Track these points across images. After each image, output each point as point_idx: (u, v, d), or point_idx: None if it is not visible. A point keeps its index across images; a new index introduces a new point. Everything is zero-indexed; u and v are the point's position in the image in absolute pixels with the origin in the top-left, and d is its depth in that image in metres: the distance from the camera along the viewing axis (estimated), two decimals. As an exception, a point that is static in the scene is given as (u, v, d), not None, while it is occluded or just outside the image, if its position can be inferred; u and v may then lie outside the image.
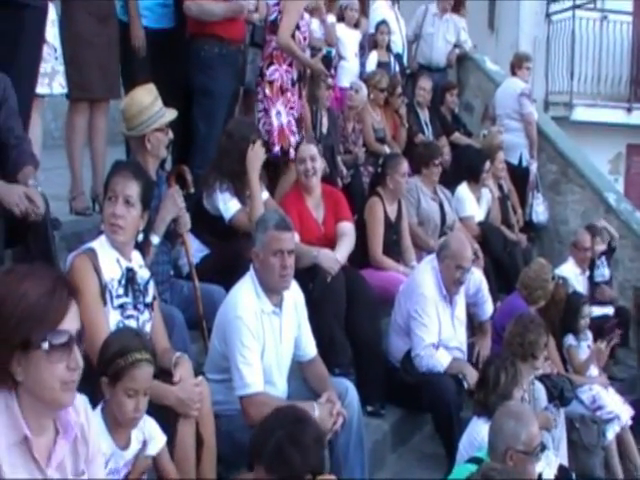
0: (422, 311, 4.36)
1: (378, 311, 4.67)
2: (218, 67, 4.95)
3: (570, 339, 5.43)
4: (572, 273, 6.36)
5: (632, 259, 6.92)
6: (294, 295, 3.60)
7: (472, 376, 4.24)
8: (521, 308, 5.04)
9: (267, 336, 3.38)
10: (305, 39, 5.50)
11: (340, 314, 4.42)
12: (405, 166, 5.40)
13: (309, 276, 4.34)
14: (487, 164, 6.47)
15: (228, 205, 4.28)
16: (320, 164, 4.89)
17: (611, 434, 5.18)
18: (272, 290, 3.42)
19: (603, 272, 6.71)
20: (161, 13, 5.04)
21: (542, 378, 4.66)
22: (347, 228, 4.85)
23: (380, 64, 7.97)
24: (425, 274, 4.49)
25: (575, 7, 10.31)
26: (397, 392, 4.44)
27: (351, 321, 4.47)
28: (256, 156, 4.36)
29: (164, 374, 3.01)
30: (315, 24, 7.38)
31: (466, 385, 4.29)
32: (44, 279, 1.76)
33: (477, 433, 3.78)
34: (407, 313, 4.44)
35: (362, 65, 7.96)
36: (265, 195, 4.61)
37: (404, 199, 5.60)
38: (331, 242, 4.72)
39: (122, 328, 2.76)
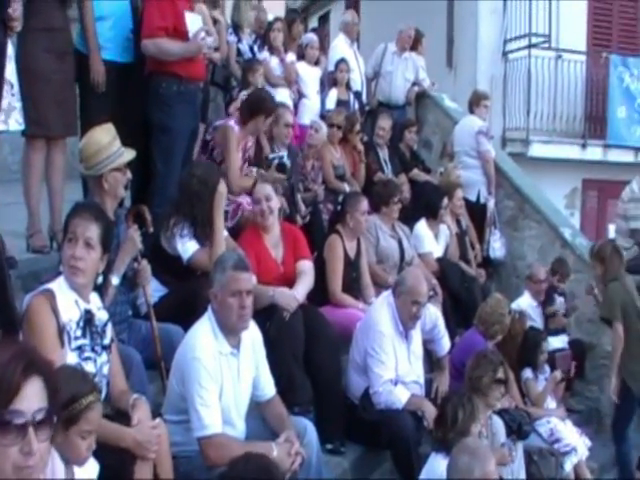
0: (379, 348, 4.39)
1: (338, 348, 4.68)
2: (176, 105, 4.97)
3: (527, 372, 5.52)
4: (528, 305, 6.50)
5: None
6: (252, 335, 3.61)
7: (431, 412, 4.27)
8: (479, 343, 5.11)
9: (225, 377, 3.38)
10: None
11: (299, 352, 4.43)
12: (365, 204, 5.46)
13: (266, 315, 4.34)
14: (445, 200, 6.57)
15: (186, 246, 4.30)
16: (276, 203, 4.90)
17: (569, 466, 5.25)
18: (230, 331, 3.43)
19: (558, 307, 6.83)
20: (124, 46, 5.05)
21: (500, 412, 4.71)
22: (306, 266, 4.87)
23: (340, 102, 8.08)
24: (381, 310, 4.53)
25: (531, 46, 10.55)
26: (356, 429, 4.45)
27: (311, 359, 4.49)
28: (221, 197, 4.42)
29: (121, 416, 3.02)
30: (274, 62, 7.53)
31: (425, 422, 4.33)
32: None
33: (435, 469, 3.81)
34: (364, 350, 4.46)
35: (322, 103, 8.06)
36: (224, 234, 4.63)
37: (363, 237, 5.65)
38: (290, 281, 4.72)
39: (67, 371, 2.75)
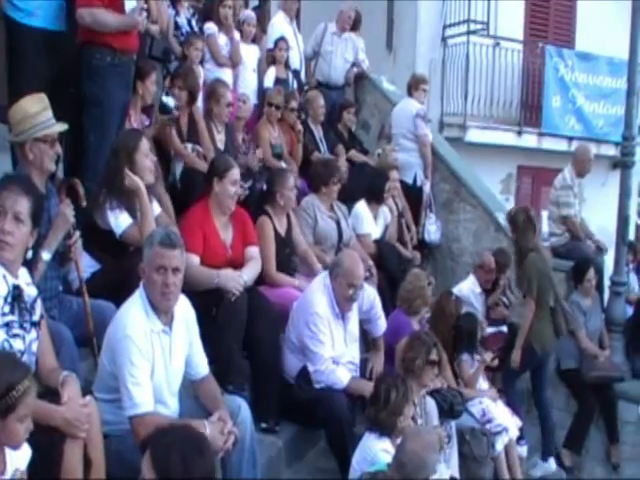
0: (316, 328, 4.38)
1: (278, 328, 4.66)
2: (109, 77, 4.81)
3: (464, 355, 5.59)
4: (471, 291, 6.59)
5: (520, 277, 7.13)
6: (185, 313, 3.54)
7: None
8: (403, 323, 5.17)
9: (157, 355, 3.31)
10: None
11: (240, 333, 4.39)
12: (292, 180, 5.39)
13: (213, 300, 4.31)
14: (388, 184, 6.57)
15: (119, 220, 4.18)
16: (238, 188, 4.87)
17: (500, 445, 5.34)
18: (158, 308, 3.35)
19: (502, 298, 6.93)
20: (56, 14, 4.80)
21: (432, 393, 4.77)
22: (255, 252, 4.84)
23: (278, 80, 8.01)
24: (317, 292, 4.50)
25: (469, 33, 10.66)
26: (291, 408, 4.43)
27: (251, 338, 4.44)
28: (141, 165, 4.27)
29: (51, 394, 2.94)
30: (223, 40, 7.37)
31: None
32: None
33: (369, 448, 3.86)
34: (301, 331, 4.44)
35: (259, 80, 7.96)
36: (157, 210, 4.52)
37: (293, 212, 5.59)
38: (237, 266, 4.65)
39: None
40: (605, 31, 11.16)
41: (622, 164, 7.36)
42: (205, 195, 4.80)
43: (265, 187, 6.40)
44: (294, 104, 7.21)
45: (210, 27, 7.30)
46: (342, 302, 4.50)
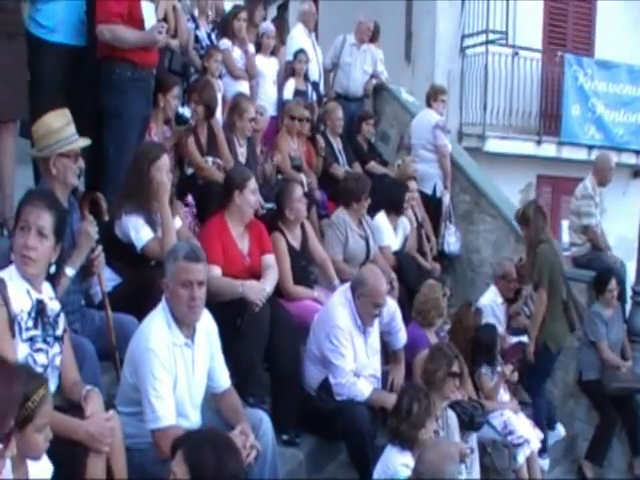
0: (337, 341, 4.37)
1: (298, 339, 4.67)
2: (129, 91, 4.88)
3: (484, 368, 5.57)
4: (493, 302, 6.54)
5: (541, 287, 7.09)
6: (207, 326, 3.57)
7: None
8: (418, 336, 5.16)
9: (179, 368, 3.34)
10: None
11: (263, 344, 4.42)
12: (299, 191, 5.35)
13: (236, 310, 4.33)
14: (407, 195, 6.56)
15: (140, 234, 4.19)
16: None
17: (522, 458, 5.31)
18: (182, 322, 3.37)
19: (523, 308, 6.86)
20: (77, 29, 4.91)
21: (453, 405, 4.76)
22: (272, 260, 4.86)
23: (298, 92, 8.04)
24: (339, 305, 4.50)
25: (488, 42, 10.66)
26: (312, 420, 4.44)
27: (272, 349, 4.47)
28: (161, 179, 4.23)
29: (74, 408, 2.98)
30: (237, 53, 7.43)
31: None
32: None
33: (390, 462, 3.85)
34: (322, 343, 4.44)
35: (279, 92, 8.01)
36: (178, 223, 4.55)
37: (307, 221, 5.60)
38: (256, 274, 4.69)
39: None
40: (625, 38, 11.15)
41: (641, 173, 7.32)
42: (221, 207, 4.84)
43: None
44: (307, 115, 7.19)
45: (224, 42, 7.38)
46: (365, 318, 4.50)
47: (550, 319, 5.99)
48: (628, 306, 7.12)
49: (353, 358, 4.42)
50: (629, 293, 7.14)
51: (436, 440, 3.51)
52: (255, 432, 3.48)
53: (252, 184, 4.83)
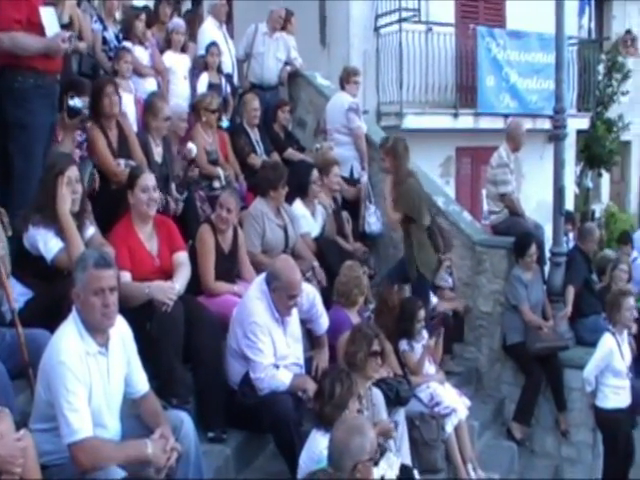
0: (255, 337, 4.42)
1: (219, 336, 4.69)
2: (33, 99, 4.78)
3: (403, 344, 5.68)
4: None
5: (462, 257, 7.27)
6: (121, 331, 3.57)
7: (313, 390, 4.32)
8: (341, 319, 5.24)
9: (94, 378, 3.34)
10: None
11: (179, 344, 4.42)
12: (232, 202, 5.33)
13: (146, 314, 4.33)
14: (313, 175, 6.56)
15: (49, 245, 4.16)
16: (158, 194, 4.89)
17: (450, 427, 5.46)
18: (96, 330, 3.38)
19: (446, 278, 7.07)
20: None
21: (378, 383, 4.85)
22: (183, 258, 4.86)
23: (211, 85, 8.03)
24: (255, 300, 4.53)
25: (401, 20, 10.73)
26: (238, 415, 4.49)
27: (192, 348, 4.50)
28: (63, 185, 4.20)
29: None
30: (139, 51, 7.40)
31: (305, 397, 4.41)
32: None
33: (315, 446, 3.89)
34: (240, 339, 4.48)
35: (192, 87, 7.98)
36: (91, 231, 4.53)
37: (242, 229, 5.62)
38: (167, 274, 4.69)
39: None
40: (534, 8, 11.32)
41: (554, 136, 7.51)
42: (127, 209, 4.82)
43: (205, 194, 6.54)
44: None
45: (127, 44, 7.34)
46: (282, 310, 4.55)
47: (419, 248, 6.19)
48: (547, 268, 7.36)
49: (272, 352, 4.47)
50: (547, 255, 7.38)
51: (344, 417, 3.56)
52: (176, 434, 3.52)
53: (143, 181, 4.75)
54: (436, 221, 6.61)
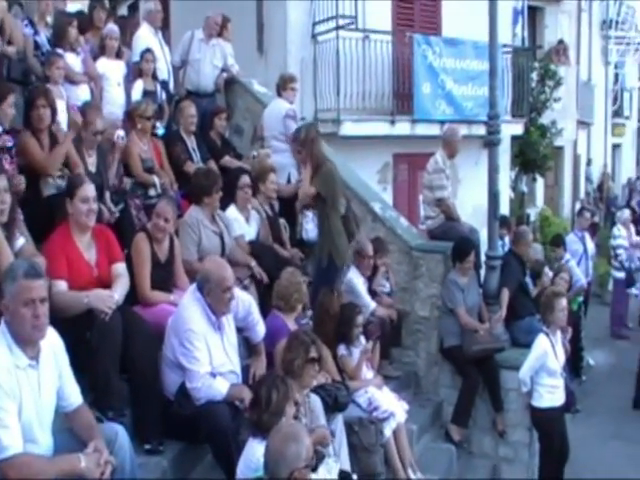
0: (191, 345, 4.38)
1: (155, 347, 4.63)
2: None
3: (341, 349, 5.71)
4: (358, 280, 6.69)
5: (400, 262, 7.37)
6: (53, 344, 3.50)
7: (250, 398, 4.32)
8: (279, 326, 5.24)
9: (24, 392, 3.26)
10: None
11: (116, 355, 4.36)
12: (163, 208, 5.28)
13: (85, 324, 4.25)
14: (242, 181, 6.55)
15: (-24, 258, 4.08)
16: (96, 205, 4.82)
17: (388, 431, 5.50)
18: (26, 342, 3.30)
19: (384, 283, 7.12)
20: None
21: (316, 389, 4.86)
22: (121, 269, 4.81)
23: (146, 92, 7.94)
24: (190, 308, 4.49)
25: (338, 28, 10.82)
26: (175, 426, 4.43)
27: (128, 358, 4.42)
28: None
29: None
30: (71, 58, 7.28)
31: (242, 407, 4.39)
32: None
33: (252, 455, 3.86)
34: (176, 348, 4.44)
35: (127, 94, 7.89)
36: (21, 241, 4.43)
37: (179, 239, 5.57)
38: (105, 284, 4.62)
39: None
40: (469, 16, 11.55)
41: (489, 142, 7.66)
42: (65, 218, 4.74)
43: (141, 202, 6.45)
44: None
45: (58, 50, 7.21)
46: (220, 308, 4.51)
47: (334, 234, 6.18)
48: (482, 271, 7.51)
49: (208, 360, 4.43)
50: (483, 259, 7.53)
51: (280, 425, 3.56)
52: (110, 447, 3.47)
53: (83, 191, 4.68)
54: (351, 208, 6.67)
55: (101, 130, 6.12)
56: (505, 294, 7.25)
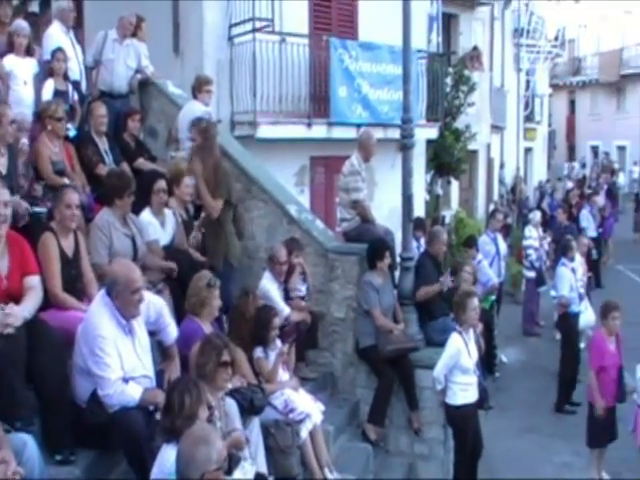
0: (101, 351, 4.30)
1: (62, 355, 4.51)
2: None
3: (258, 352, 5.70)
4: (271, 286, 6.70)
5: (315, 265, 7.41)
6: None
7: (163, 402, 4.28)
8: (193, 329, 5.21)
9: None
10: None
11: (21, 366, 4.22)
12: (71, 197, 5.19)
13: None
14: (158, 184, 6.46)
15: None
16: (10, 210, 4.64)
17: (305, 433, 5.53)
18: None
19: (299, 287, 7.14)
20: None
21: (232, 392, 4.85)
22: (34, 282, 4.65)
23: (57, 92, 7.73)
24: (99, 313, 4.42)
25: (255, 30, 10.78)
26: (87, 435, 4.35)
27: (35, 368, 4.30)
28: None
29: None
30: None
31: (157, 414, 4.33)
32: None
33: (166, 460, 3.82)
34: (87, 355, 4.34)
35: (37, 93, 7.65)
36: None
37: (82, 234, 5.46)
38: (15, 298, 4.45)
39: None
40: (385, 21, 11.69)
41: (403, 146, 7.80)
42: None
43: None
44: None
45: None
46: (130, 310, 4.45)
47: (230, 237, 6.33)
48: (397, 272, 7.62)
49: (120, 365, 4.36)
50: (397, 260, 7.64)
51: (192, 428, 3.54)
52: (18, 458, 3.40)
53: None
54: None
55: (14, 119, 5.92)
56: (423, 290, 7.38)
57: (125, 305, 4.43)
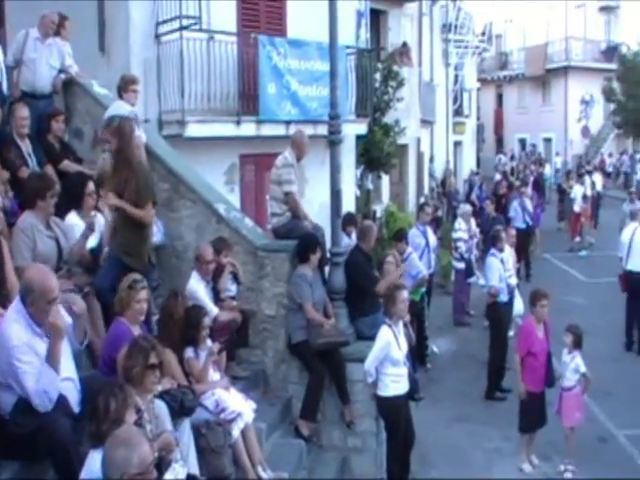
0: (19, 362, 4.23)
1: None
2: None
3: (189, 352, 5.70)
4: (199, 286, 6.69)
5: (245, 263, 7.42)
6: None
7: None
8: (122, 332, 5.16)
9: None
10: None
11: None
12: None
13: None
14: (89, 187, 6.40)
15: None
16: None
17: (236, 432, 5.55)
18: None
19: (229, 287, 7.12)
20: None
21: (162, 395, 4.84)
22: None
23: (-24, 94, 7.56)
24: (12, 324, 4.33)
25: (182, 28, 10.67)
26: (10, 446, 4.26)
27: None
28: None
29: None
30: None
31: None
32: None
33: (93, 466, 3.78)
34: (6, 369, 4.27)
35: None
36: None
37: (4, 237, 5.34)
38: None
39: None
40: (313, 17, 11.72)
41: (330, 142, 7.87)
42: None
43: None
44: None
45: None
46: (43, 319, 4.35)
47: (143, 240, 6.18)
48: (327, 268, 7.71)
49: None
50: (328, 256, 7.72)
51: (117, 431, 3.53)
52: None
53: None
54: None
55: None
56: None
57: (39, 314, 4.34)
